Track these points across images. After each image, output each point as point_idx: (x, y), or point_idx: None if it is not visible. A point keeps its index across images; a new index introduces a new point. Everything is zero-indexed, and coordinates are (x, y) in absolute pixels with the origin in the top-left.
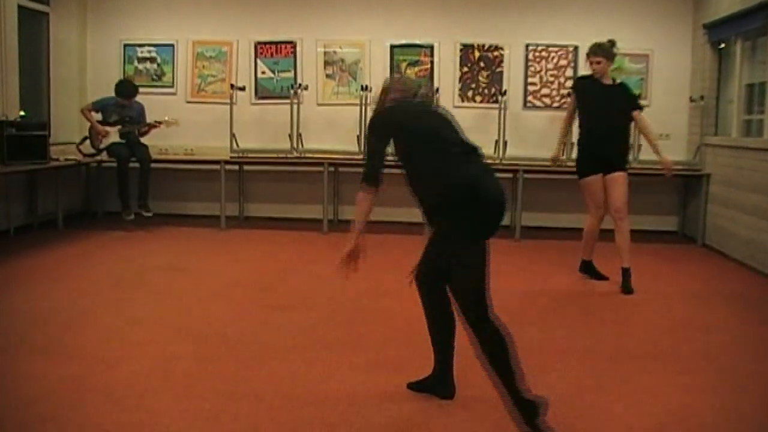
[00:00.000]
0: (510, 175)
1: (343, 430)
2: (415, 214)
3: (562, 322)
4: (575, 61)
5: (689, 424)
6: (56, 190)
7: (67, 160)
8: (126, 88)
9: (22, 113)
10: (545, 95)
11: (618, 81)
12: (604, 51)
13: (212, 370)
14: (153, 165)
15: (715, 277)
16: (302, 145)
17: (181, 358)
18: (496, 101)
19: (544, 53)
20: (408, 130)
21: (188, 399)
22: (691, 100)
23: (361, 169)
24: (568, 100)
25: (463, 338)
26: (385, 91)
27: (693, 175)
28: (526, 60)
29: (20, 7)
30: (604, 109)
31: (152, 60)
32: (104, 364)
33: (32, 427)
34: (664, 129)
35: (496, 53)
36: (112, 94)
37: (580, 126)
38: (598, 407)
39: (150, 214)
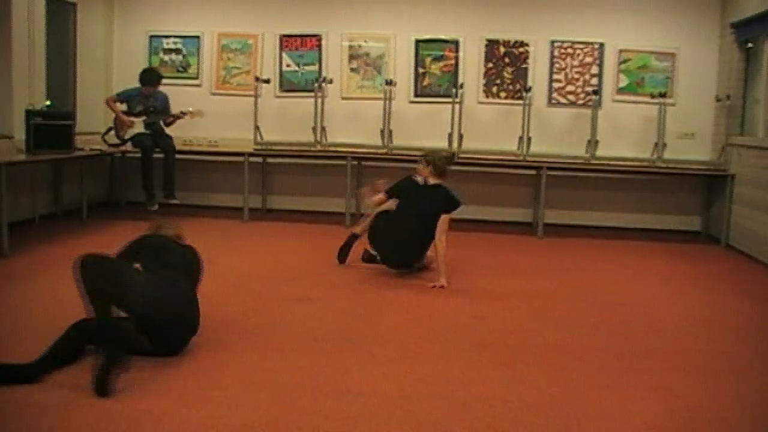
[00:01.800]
0: (533, 172)
1: (362, 423)
2: None
3: (582, 320)
4: (601, 58)
5: (711, 426)
6: (81, 179)
7: (91, 149)
8: (150, 76)
9: (47, 103)
10: (570, 92)
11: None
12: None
13: (233, 360)
14: (177, 156)
15: (738, 278)
16: (326, 139)
17: (201, 347)
18: (521, 98)
19: (569, 50)
20: None
21: (209, 388)
22: (717, 99)
23: (383, 164)
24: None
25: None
26: None
27: (718, 175)
28: (552, 56)
29: None
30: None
31: (178, 51)
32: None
33: (56, 413)
34: (689, 128)
35: (521, 49)
36: (137, 84)
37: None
38: (617, 405)
39: (177, 202)
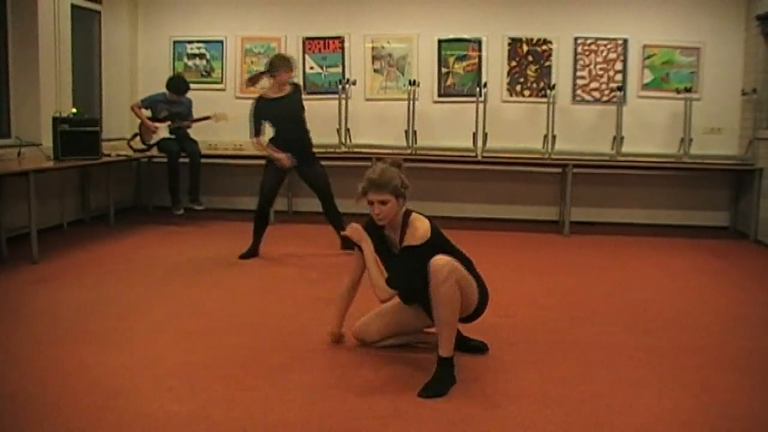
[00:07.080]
0: (559, 170)
1: (393, 423)
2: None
3: (611, 317)
4: (625, 54)
5: (743, 422)
6: (108, 185)
7: (118, 155)
8: (178, 85)
9: (73, 110)
10: (594, 89)
11: None
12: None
13: (264, 361)
14: (203, 160)
15: None
16: (350, 140)
17: (232, 349)
18: (545, 95)
19: (593, 46)
20: None
21: (240, 390)
22: (744, 93)
23: (409, 164)
24: None
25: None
26: None
27: (745, 169)
28: (575, 54)
29: (73, 6)
30: None
31: (201, 56)
32: (157, 354)
33: (88, 415)
34: (715, 123)
35: (544, 47)
36: (161, 90)
37: None
38: (648, 402)
39: (202, 207)
